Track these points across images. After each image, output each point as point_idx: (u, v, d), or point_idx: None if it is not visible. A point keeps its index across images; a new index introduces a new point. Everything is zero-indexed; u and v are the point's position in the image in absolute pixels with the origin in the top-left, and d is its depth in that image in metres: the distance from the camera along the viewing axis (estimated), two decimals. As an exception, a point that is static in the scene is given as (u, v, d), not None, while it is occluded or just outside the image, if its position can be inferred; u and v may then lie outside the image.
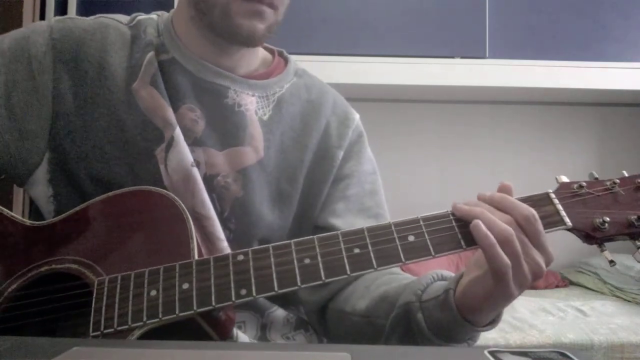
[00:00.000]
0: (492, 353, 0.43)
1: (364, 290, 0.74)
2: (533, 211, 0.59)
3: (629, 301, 1.95)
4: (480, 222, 0.57)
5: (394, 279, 0.73)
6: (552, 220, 0.62)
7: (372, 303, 0.71)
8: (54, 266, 0.61)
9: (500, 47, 2.11)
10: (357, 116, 0.86)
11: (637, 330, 1.63)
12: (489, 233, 0.57)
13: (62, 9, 1.89)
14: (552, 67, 2.09)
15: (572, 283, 2.27)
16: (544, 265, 0.58)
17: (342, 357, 0.42)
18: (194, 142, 0.73)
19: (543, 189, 0.64)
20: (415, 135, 2.43)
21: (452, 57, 2.10)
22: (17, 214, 0.66)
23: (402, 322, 0.66)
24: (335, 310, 0.77)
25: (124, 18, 0.79)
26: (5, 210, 0.66)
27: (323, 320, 0.80)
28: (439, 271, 0.68)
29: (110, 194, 0.66)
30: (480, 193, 0.63)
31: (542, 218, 0.59)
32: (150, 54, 0.74)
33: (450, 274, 0.68)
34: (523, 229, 0.58)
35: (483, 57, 2.10)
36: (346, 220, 0.78)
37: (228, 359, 0.44)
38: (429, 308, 0.63)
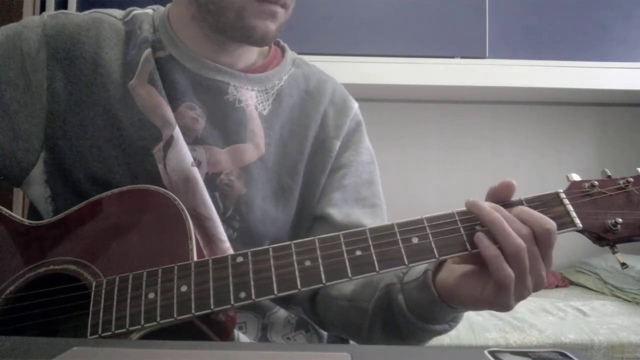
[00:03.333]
0: (492, 353, 0.43)
1: None
2: (554, 225, 0.57)
3: (629, 301, 1.95)
4: (483, 235, 0.56)
5: None
6: (562, 222, 0.59)
7: (357, 287, 0.72)
8: (52, 267, 0.60)
9: (500, 47, 2.11)
10: (355, 105, 0.85)
11: (637, 330, 1.63)
12: (491, 244, 0.56)
13: (62, 9, 1.89)
14: (552, 67, 2.09)
15: (572, 283, 2.27)
16: (545, 277, 0.57)
17: (342, 357, 0.42)
18: (194, 141, 0.72)
19: (543, 188, 0.62)
20: (415, 135, 2.43)
21: (452, 57, 2.10)
22: (17, 214, 0.66)
23: (385, 304, 0.66)
24: (324, 295, 0.77)
25: (118, 13, 0.77)
26: (4, 210, 0.65)
27: (314, 306, 0.80)
28: None
29: (108, 192, 0.65)
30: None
31: (551, 219, 0.58)
32: (147, 51, 0.72)
33: None
34: (538, 243, 0.56)
35: (483, 57, 2.10)
36: (342, 209, 0.78)
37: (228, 359, 0.44)
38: (410, 289, 0.63)
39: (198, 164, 0.71)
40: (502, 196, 0.61)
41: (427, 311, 0.62)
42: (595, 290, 2.13)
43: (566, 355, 0.43)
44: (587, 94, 2.29)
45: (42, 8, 1.92)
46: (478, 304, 0.59)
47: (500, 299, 0.56)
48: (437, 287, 0.61)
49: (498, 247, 0.56)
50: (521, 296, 0.57)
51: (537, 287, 0.57)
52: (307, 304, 0.80)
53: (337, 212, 0.77)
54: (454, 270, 0.61)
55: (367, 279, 0.70)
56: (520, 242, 0.55)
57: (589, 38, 2.15)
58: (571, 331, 1.62)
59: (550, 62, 2.09)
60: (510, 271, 0.55)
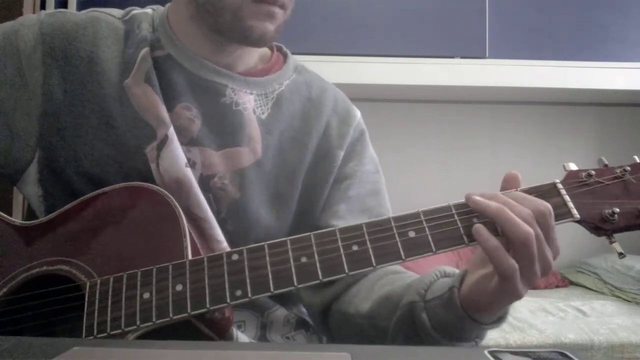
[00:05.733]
0: (492, 353, 0.43)
1: (367, 292, 0.73)
2: (549, 206, 0.56)
3: (629, 301, 1.95)
4: (481, 227, 0.56)
5: (397, 278, 0.72)
6: (559, 213, 0.59)
7: (375, 305, 0.70)
8: (45, 268, 0.60)
9: (500, 47, 2.11)
10: (358, 113, 0.84)
11: (637, 330, 1.63)
12: (490, 236, 0.55)
13: (62, 8, 1.88)
14: (552, 67, 2.09)
15: (572, 283, 2.27)
16: (552, 261, 0.57)
17: (342, 357, 0.42)
18: (189, 142, 0.71)
19: None
20: (415, 135, 2.43)
21: (452, 57, 2.10)
22: (17, 214, 0.65)
23: (407, 322, 0.65)
24: (339, 312, 0.76)
25: (117, 12, 0.77)
26: None
27: (327, 323, 0.78)
28: (442, 267, 0.66)
29: (100, 190, 0.64)
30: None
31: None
32: (145, 50, 0.72)
33: (453, 270, 0.66)
34: (538, 224, 0.55)
35: (483, 57, 2.10)
36: (348, 221, 0.74)
37: (227, 359, 0.44)
38: (433, 307, 0.62)
39: (192, 164, 0.70)
40: (508, 188, 0.61)
41: (453, 329, 0.61)
42: (595, 290, 2.13)
43: (566, 355, 0.43)
44: (587, 94, 2.29)
45: (42, 7, 1.92)
46: (491, 301, 0.58)
47: (508, 289, 0.55)
48: (462, 302, 0.59)
49: (502, 237, 0.55)
50: (530, 282, 0.56)
51: (545, 271, 0.56)
52: (318, 318, 0.79)
53: (343, 224, 0.75)
54: (468, 281, 0.59)
55: (386, 296, 0.69)
56: (527, 228, 0.54)
57: (589, 38, 2.15)
58: (571, 331, 1.62)
59: (550, 62, 2.09)
60: (512, 262, 0.54)
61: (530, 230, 0.54)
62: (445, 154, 2.44)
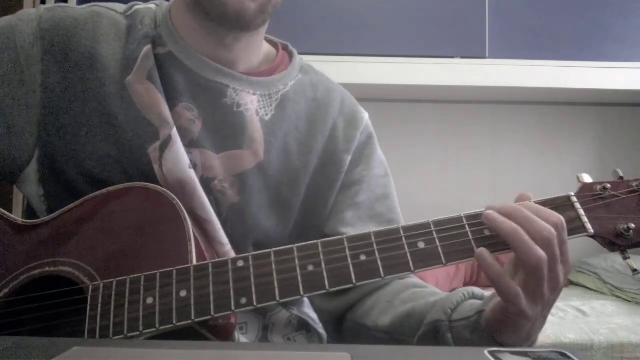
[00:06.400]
0: (492, 353, 0.43)
1: (386, 305, 0.71)
2: (562, 220, 0.55)
3: (629, 301, 1.95)
4: (484, 252, 0.54)
5: (419, 294, 0.70)
6: (573, 227, 0.57)
7: (396, 319, 0.69)
8: (47, 269, 0.59)
9: (500, 47, 2.11)
10: (366, 116, 0.82)
11: (637, 330, 1.63)
12: (494, 263, 0.54)
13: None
14: (552, 67, 2.09)
15: (572, 283, 2.27)
16: (563, 279, 0.55)
17: (342, 357, 0.42)
18: (190, 143, 0.69)
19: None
20: (415, 135, 2.43)
21: (452, 57, 2.10)
22: (17, 214, 0.65)
23: (430, 341, 0.63)
24: (355, 323, 0.74)
25: (119, 7, 0.75)
26: None
27: (340, 332, 0.77)
28: (470, 289, 0.65)
29: (103, 190, 0.63)
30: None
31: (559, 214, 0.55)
32: (147, 47, 0.70)
33: (481, 291, 0.65)
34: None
35: (483, 57, 2.10)
36: (356, 228, 0.74)
37: (227, 359, 0.44)
38: (459, 329, 0.60)
39: (194, 166, 0.69)
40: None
41: None
42: (595, 290, 2.13)
43: (566, 355, 0.43)
44: (587, 94, 2.29)
45: (43, 2, 1.92)
46: (499, 327, 0.56)
47: (512, 311, 0.54)
48: (486, 324, 0.58)
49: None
50: (537, 302, 0.54)
51: (554, 290, 0.55)
52: (331, 325, 0.78)
53: (352, 231, 0.73)
54: (496, 299, 0.58)
55: (409, 312, 0.68)
56: (540, 253, 0.52)
57: (589, 38, 2.15)
58: (571, 331, 1.62)
59: (550, 62, 2.09)
60: (515, 287, 0.53)
61: (543, 254, 0.53)
62: (445, 154, 2.43)
